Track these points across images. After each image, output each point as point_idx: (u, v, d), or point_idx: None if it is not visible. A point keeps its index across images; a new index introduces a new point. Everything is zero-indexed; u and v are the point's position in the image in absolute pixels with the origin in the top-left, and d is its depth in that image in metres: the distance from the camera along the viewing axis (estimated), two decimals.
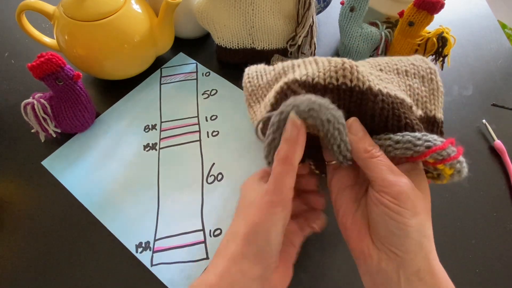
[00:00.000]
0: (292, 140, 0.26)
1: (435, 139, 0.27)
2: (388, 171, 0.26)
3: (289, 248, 0.32)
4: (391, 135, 0.28)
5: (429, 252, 0.26)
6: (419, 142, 0.26)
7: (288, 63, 0.35)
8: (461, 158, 0.27)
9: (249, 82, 0.38)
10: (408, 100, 0.31)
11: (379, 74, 0.33)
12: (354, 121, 0.29)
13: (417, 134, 0.27)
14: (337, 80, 0.30)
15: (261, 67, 0.38)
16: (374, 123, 0.29)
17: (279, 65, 0.36)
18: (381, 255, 0.26)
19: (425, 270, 0.25)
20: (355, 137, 0.28)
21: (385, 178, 0.26)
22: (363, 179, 0.31)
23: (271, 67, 0.37)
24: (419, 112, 0.32)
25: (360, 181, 0.31)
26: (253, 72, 0.38)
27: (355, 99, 0.29)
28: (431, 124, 0.34)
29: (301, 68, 0.33)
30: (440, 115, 0.34)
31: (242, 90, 0.61)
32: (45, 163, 0.53)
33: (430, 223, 0.27)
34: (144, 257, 0.46)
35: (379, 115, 0.29)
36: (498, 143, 0.55)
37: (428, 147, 0.26)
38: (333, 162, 0.33)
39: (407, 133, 0.28)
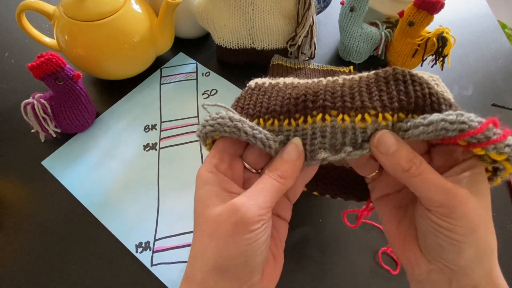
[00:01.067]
0: (292, 164, 0.24)
1: (471, 120, 0.22)
2: (436, 189, 0.21)
3: (277, 228, 0.27)
4: (423, 116, 0.23)
5: (491, 268, 0.23)
6: (453, 124, 0.21)
7: (284, 79, 0.32)
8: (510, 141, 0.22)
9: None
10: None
11: None
12: (382, 135, 0.23)
13: (451, 112, 0.22)
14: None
15: (263, 80, 0.37)
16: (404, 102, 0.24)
17: (276, 79, 0.34)
18: (430, 266, 0.23)
19: None
20: (386, 156, 0.22)
21: (433, 198, 0.21)
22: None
23: (271, 80, 0.35)
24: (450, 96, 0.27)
25: (405, 188, 0.26)
26: (253, 84, 0.36)
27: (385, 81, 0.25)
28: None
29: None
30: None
31: (242, 90, 0.61)
32: (45, 163, 0.53)
33: (493, 234, 0.23)
34: (144, 257, 0.46)
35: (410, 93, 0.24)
36: None
37: (462, 130, 0.21)
38: (371, 175, 0.29)
39: (438, 114, 0.22)
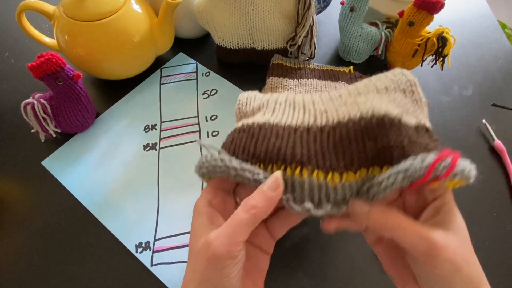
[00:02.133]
0: (269, 198, 0.24)
1: (419, 168, 0.23)
2: (417, 240, 0.22)
3: (258, 260, 0.28)
4: (378, 180, 0.25)
5: None
6: (404, 179, 0.23)
7: (272, 98, 0.34)
8: (460, 166, 0.25)
9: (239, 109, 0.37)
10: (397, 111, 0.28)
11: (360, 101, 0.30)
12: (351, 206, 0.25)
13: (400, 168, 0.24)
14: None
15: (253, 93, 0.37)
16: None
17: (266, 96, 0.34)
18: None
19: None
20: (362, 222, 0.24)
21: (416, 249, 0.23)
22: None
23: (261, 95, 0.36)
24: (413, 120, 0.29)
25: None
26: (244, 98, 0.37)
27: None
28: (426, 132, 0.30)
29: (280, 113, 0.32)
30: (428, 124, 0.31)
31: (243, 90, 0.62)
32: (45, 163, 0.54)
33: (477, 265, 0.24)
34: (144, 257, 0.46)
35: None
36: (498, 143, 0.55)
37: (412, 181, 0.23)
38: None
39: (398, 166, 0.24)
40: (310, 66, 0.58)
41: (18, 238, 0.47)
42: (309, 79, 0.54)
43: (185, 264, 0.38)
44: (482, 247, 0.47)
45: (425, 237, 0.22)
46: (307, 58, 0.62)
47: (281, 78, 0.54)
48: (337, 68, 0.58)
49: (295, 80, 0.53)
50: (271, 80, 0.53)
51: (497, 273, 0.45)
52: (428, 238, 0.22)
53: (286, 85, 0.52)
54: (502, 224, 0.49)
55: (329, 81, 0.54)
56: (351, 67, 0.58)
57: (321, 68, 0.59)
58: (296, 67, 0.57)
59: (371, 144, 0.26)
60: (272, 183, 0.25)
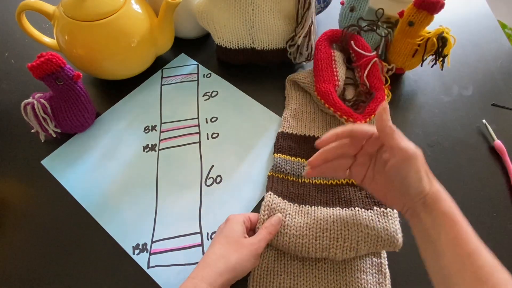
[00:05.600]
0: (275, 226, 0.43)
1: None
2: (403, 142, 0.36)
3: None
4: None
5: (431, 178, 0.37)
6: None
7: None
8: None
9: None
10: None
11: None
12: (381, 110, 0.37)
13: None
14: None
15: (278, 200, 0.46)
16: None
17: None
18: (400, 200, 0.38)
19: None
20: (383, 124, 0.37)
21: (400, 145, 0.36)
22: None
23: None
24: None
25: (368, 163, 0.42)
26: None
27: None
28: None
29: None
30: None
31: (243, 92, 0.62)
32: (45, 162, 0.53)
33: (424, 160, 0.37)
34: (141, 259, 0.46)
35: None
36: (498, 143, 0.55)
37: None
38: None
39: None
40: (315, 181, 0.51)
41: (17, 237, 0.47)
42: (312, 206, 0.46)
43: (182, 267, 0.45)
44: None
45: (406, 142, 0.37)
46: (305, 59, 0.62)
47: (280, 198, 0.47)
48: (345, 180, 0.50)
49: (295, 205, 0.47)
50: (269, 197, 0.46)
51: None
52: (412, 149, 0.36)
53: (284, 209, 0.45)
54: (502, 224, 0.49)
55: (337, 208, 0.46)
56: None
57: (330, 182, 0.50)
58: (298, 180, 0.51)
59: None
60: (278, 220, 0.44)
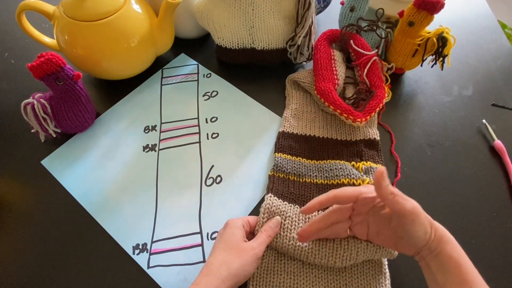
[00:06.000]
0: (274, 230, 0.43)
1: None
2: (407, 204, 0.36)
3: None
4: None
5: (436, 228, 0.38)
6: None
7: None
8: None
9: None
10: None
11: None
12: (379, 176, 0.36)
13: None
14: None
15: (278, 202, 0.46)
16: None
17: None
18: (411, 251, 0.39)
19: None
20: (383, 190, 0.36)
21: (405, 209, 0.36)
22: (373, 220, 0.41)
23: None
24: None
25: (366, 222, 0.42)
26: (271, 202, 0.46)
27: None
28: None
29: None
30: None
31: (243, 92, 0.62)
32: (45, 162, 0.53)
33: (428, 217, 0.38)
34: (141, 259, 0.46)
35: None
36: (498, 143, 0.55)
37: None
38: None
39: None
40: (316, 181, 0.51)
41: (17, 237, 0.47)
42: None
43: (182, 267, 0.45)
44: (482, 247, 0.47)
45: (411, 203, 0.37)
46: (305, 60, 0.62)
47: (280, 200, 0.47)
48: (347, 179, 0.50)
49: (296, 206, 0.47)
50: (269, 200, 0.46)
51: (497, 273, 0.45)
52: (414, 204, 0.37)
53: (284, 211, 0.45)
54: (502, 224, 0.49)
55: None
56: (368, 180, 0.49)
57: (331, 182, 0.50)
58: (299, 180, 0.51)
59: None
60: (277, 223, 0.44)
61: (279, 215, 0.45)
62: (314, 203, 0.40)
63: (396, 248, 0.41)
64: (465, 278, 0.34)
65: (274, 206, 0.45)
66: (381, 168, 0.36)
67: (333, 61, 0.58)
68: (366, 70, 0.57)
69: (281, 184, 0.49)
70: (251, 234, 0.45)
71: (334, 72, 0.57)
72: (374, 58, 0.57)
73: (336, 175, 0.50)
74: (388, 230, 0.39)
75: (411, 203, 0.36)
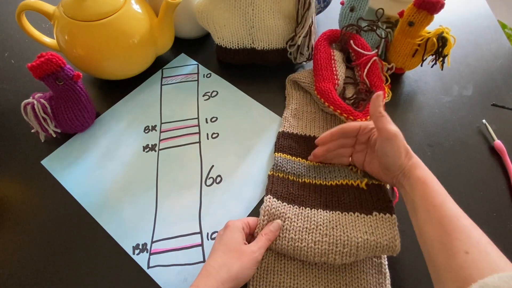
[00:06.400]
0: (274, 233, 0.43)
1: None
2: (389, 124, 0.42)
3: None
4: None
5: (411, 155, 0.42)
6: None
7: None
8: None
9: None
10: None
11: None
12: (375, 98, 0.43)
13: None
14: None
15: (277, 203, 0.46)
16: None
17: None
18: (387, 173, 0.44)
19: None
20: (375, 107, 0.43)
21: (388, 128, 0.42)
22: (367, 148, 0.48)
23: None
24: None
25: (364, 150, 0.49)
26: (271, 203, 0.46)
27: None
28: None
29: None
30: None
31: (243, 92, 0.62)
32: (45, 162, 0.53)
33: (405, 143, 0.43)
34: (141, 259, 0.46)
35: None
36: (498, 143, 0.55)
37: None
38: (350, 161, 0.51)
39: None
40: (315, 181, 0.50)
41: (17, 237, 0.47)
42: (312, 209, 0.46)
43: (182, 267, 0.45)
44: None
45: (392, 125, 0.42)
46: (306, 59, 0.62)
47: (279, 202, 0.46)
48: (345, 180, 0.49)
49: (295, 206, 0.46)
50: (268, 202, 0.46)
51: None
52: (394, 128, 0.42)
53: (284, 213, 0.45)
54: (502, 224, 0.49)
55: (338, 212, 0.45)
56: (366, 181, 0.47)
57: (330, 182, 0.50)
58: (299, 180, 0.50)
59: None
60: (277, 227, 0.44)
61: (279, 217, 0.45)
62: (326, 134, 0.49)
63: (380, 177, 0.46)
64: (428, 191, 0.38)
65: (274, 207, 0.45)
66: (379, 91, 0.44)
67: (333, 61, 0.58)
68: (366, 70, 0.57)
69: (280, 184, 0.49)
70: (250, 236, 0.44)
71: (334, 72, 0.57)
72: (374, 58, 0.57)
73: (335, 176, 0.50)
74: (375, 158, 0.45)
75: (394, 127, 0.42)
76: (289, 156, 0.53)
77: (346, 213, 0.45)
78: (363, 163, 0.48)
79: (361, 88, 0.58)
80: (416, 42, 0.56)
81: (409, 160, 0.42)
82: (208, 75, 0.65)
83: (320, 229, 0.43)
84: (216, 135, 0.57)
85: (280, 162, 0.51)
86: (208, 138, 0.57)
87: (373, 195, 0.45)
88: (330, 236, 0.42)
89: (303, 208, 0.46)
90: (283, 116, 0.58)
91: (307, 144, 0.54)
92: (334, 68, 0.57)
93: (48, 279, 0.44)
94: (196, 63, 0.67)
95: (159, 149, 0.55)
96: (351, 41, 0.59)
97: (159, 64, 0.65)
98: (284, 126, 0.56)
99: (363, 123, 0.48)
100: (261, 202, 0.50)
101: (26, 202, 0.50)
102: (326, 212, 0.45)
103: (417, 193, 0.39)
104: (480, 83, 0.64)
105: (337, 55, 0.59)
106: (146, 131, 0.57)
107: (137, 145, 0.56)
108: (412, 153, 0.43)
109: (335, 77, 0.57)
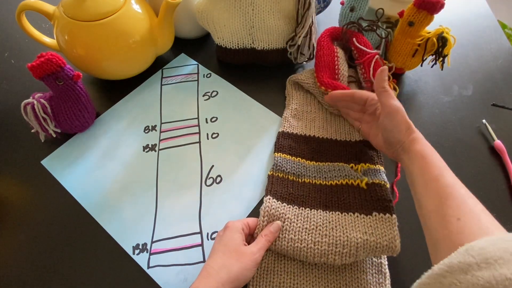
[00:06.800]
0: (274, 234, 0.43)
1: None
2: (392, 99, 0.45)
3: None
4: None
5: (412, 129, 0.44)
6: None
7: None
8: None
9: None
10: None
11: None
12: (380, 72, 0.46)
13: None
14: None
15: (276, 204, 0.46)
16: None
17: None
18: (389, 147, 0.46)
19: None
20: (379, 81, 0.46)
21: (389, 103, 0.45)
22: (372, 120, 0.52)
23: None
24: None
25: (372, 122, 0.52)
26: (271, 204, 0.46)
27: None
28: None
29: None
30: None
31: (243, 92, 0.62)
32: (45, 162, 0.53)
33: (407, 117, 0.45)
34: (141, 259, 0.46)
35: None
36: (498, 143, 0.55)
37: None
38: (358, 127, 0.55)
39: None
40: (315, 181, 0.50)
41: (17, 237, 0.47)
42: (312, 210, 0.46)
43: (182, 267, 0.45)
44: None
45: (395, 100, 0.45)
46: (306, 59, 0.62)
47: (279, 202, 0.46)
48: (345, 180, 0.49)
49: (295, 207, 0.46)
50: (268, 202, 0.46)
51: None
52: (397, 103, 0.45)
53: (283, 213, 0.45)
54: (502, 224, 0.49)
55: (337, 213, 0.45)
56: (366, 180, 0.47)
57: (330, 182, 0.50)
58: (298, 180, 0.50)
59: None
60: (277, 228, 0.44)
61: (278, 218, 0.45)
62: (338, 92, 0.53)
63: (382, 149, 0.48)
64: (426, 163, 0.40)
65: (273, 208, 0.45)
66: (384, 66, 0.47)
67: (336, 58, 0.58)
68: (371, 69, 0.57)
69: (280, 184, 0.49)
70: (250, 236, 0.44)
71: (336, 71, 0.57)
72: (377, 56, 0.57)
73: (335, 176, 0.50)
74: (380, 132, 0.47)
75: (396, 102, 0.44)
76: (289, 156, 0.53)
77: (345, 214, 0.45)
78: (369, 135, 0.51)
79: (366, 86, 0.58)
80: (416, 42, 0.56)
81: (409, 135, 0.43)
82: (208, 75, 0.65)
83: (320, 229, 0.43)
84: (216, 135, 0.57)
85: (280, 162, 0.51)
86: (208, 138, 0.57)
87: (373, 195, 0.45)
88: (329, 236, 0.42)
89: (303, 208, 0.46)
90: (283, 116, 0.58)
91: (307, 144, 0.54)
92: (336, 66, 0.57)
93: (48, 279, 0.44)
94: (196, 63, 0.67)
95: (159, 149, 0.55)
96: (354, 39, 0.59)
97: (159, 64, 0.65)
98: (284, 126, 0.56)
99: (371, 94, 0.50)
100: (261, 202, 0.50)
101: (26, 202, 0.50)
102: (326, 212, 0.45)
103: (415, 167, 0.41)
104: (480, 83, 0.64)
105: (340, 53, 0.59)
106: (146, 131, 0.57)
107: (137, 145, 0.56)
108: (414, 128, 0.44)
109: (337, 77, 0.57)
